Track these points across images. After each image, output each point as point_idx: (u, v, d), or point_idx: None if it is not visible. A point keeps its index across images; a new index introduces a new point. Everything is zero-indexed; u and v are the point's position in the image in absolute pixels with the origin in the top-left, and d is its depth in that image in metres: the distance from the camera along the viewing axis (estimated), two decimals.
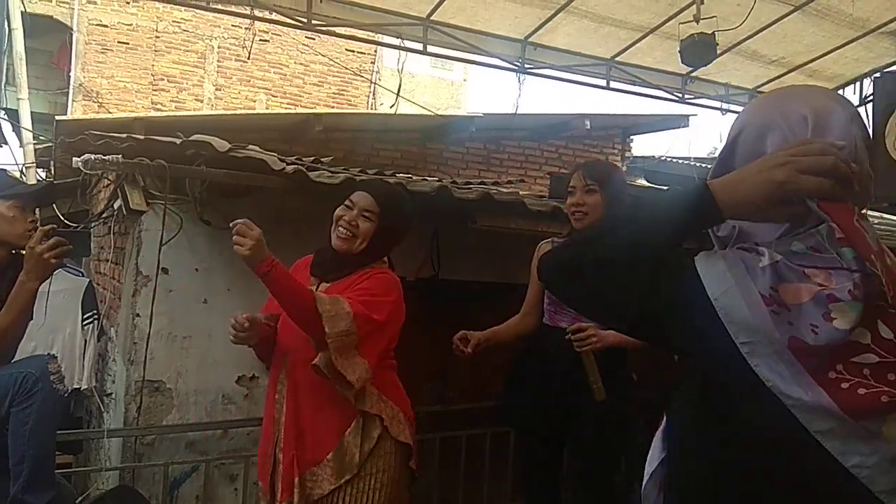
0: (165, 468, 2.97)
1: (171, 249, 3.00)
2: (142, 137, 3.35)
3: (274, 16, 5.23)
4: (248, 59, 11.05)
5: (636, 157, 8.76)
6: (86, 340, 3.80)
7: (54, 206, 3.61)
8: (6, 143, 8.47)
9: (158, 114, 9.35)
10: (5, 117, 8.26)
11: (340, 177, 2.81)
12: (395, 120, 7.49)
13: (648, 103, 7.84)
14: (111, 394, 3.57)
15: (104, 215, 3.75)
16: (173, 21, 11.11)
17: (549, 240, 2.75)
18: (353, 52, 11.95)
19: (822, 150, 0.95)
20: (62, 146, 4.53)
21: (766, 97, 1.10)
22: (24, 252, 2.18)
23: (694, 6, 4.91)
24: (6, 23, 6.90)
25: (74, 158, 2.91)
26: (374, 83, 11.94)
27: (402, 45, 5.68)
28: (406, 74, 14.04)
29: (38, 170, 6.81)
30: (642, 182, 7.65)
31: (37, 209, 2.49)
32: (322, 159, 3.39)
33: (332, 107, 11.57)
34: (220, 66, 11.49)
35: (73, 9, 10.65)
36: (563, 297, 1.28)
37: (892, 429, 0.90)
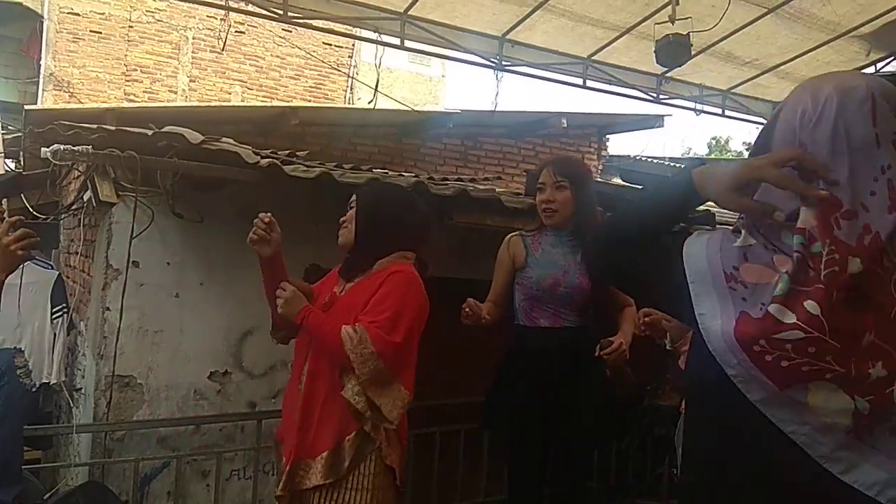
0: (136, 464, 2.94)
1: (142, 242, 2.97)
2: (113, 128, 3.30)
3: (250, 7, 5.17)
4: (223, 50, 10.90)
5: (612, 156, 8.83)
6: (55, 334, 3.74)
7: (23, 197, 3.54)
8: None
9: (131, 105, 9.20)
10: None
11: (316, 171, 2.80)
12: (373, 115, 7.47)
13: (624, 103, 7.91)
14: (81, 389, 3.51)
15: (74, 207, 3.69)
16: (147, 11, 10.91)
17: (518, 232, 2.74)
18: (331, 45, 11.85)
19: (794, 153, 1.04)
20: (31, 136, 4.44)
21: (808, 80, 1.15)
22: None
23: (669, 7, 4.96)
24: None
25: (43, 149, 2.86)
26: (352, 77, 11.87)
27: (379, 39, 5.64)
28: (384, 69, 13.99)
29: (6, 160, 6.67)
30: (618, 181, 7.72)
31: (4, 200, 2.44)
32: (297, 153, 3.37)
33: (309, 100, 11.47)
34: (195, 57, 11.31)
35: None
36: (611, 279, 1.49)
37: (817, 398, 0.98)
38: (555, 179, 2.57)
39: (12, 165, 6.68)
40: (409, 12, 5.26)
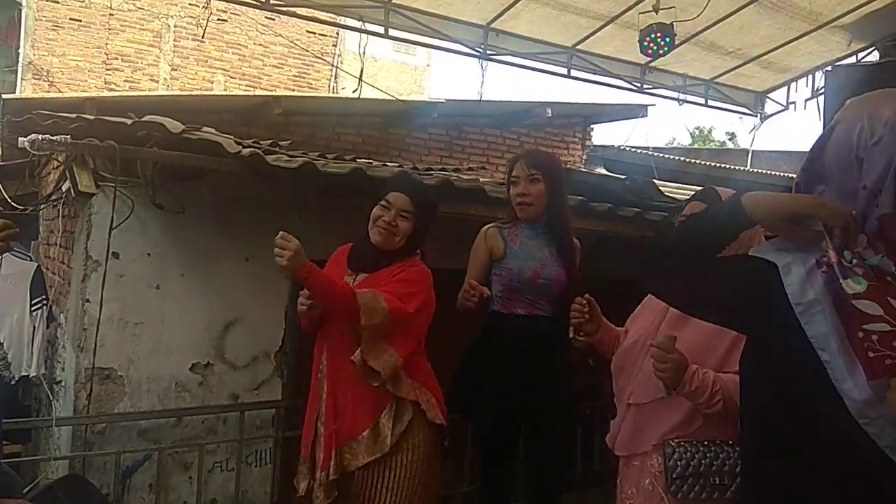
0: (117, 457, 2.92)
1: (121, 233, 2.94)
2: (91, 118, 3.25)
3: None
4: (203, 38, 10.75)
5: (596, 146, 8.84)
6: (34, 326, 3.70)
7: (2, 187, 3.49)
8: None
9: (111, 94, 9.07)
10: None
11: (298, 161, 2.77)
12: (357, 104, 7.41)
13: (608, 93, 7.91)
14: (61, 381, 3.48)
15: (53, 198, 3.64)
16: None
17: (494, 225, 2.76)
18: (315, 34, 11.75)
19: (843, 211, 1.13)
20: (9, 126, 4.37)
21: (863, 97, 1.23)
22: None
23: None
24: None
25: (21, 139, 2.81)
26: (336, 67, 11.78)
27: (363, 28, 5.59)
28: (369, 58, 13.87)
29: None
30: (602, 171, 7.74)
31: None
32: (280, 143, 3.34)
33: (293, 90, 11.36)
34: (177, 45, 11.16)
35: None
36: (671, 301, 1.52)
37: (894, 395, 1.04)
38: (528, 172, 2.61)
39: None
40: (394, 1, 5.22)
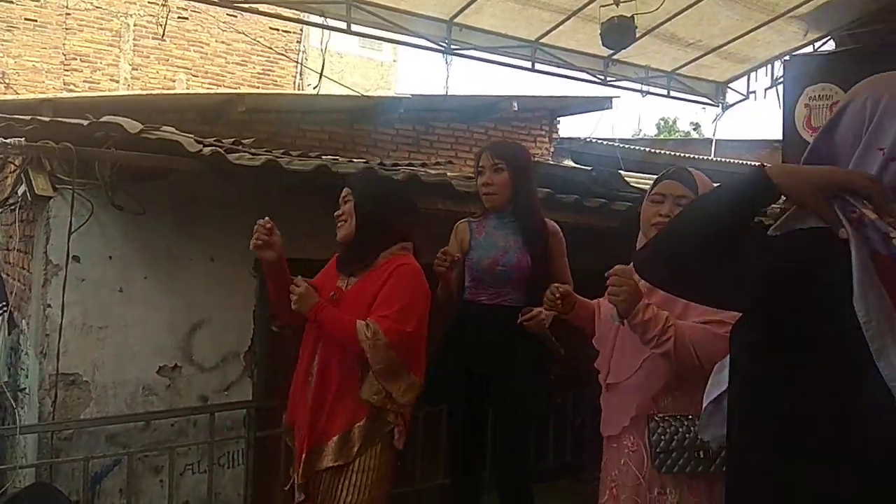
0: (85, 463, 2.87)
1: (81, 236, 2.88)
2: (47, 119, 3.18)
3: None
4: (163, 36, 10.56)
5: (563, 138, 8.92)
6: None
7: None
8: None
9: (69, 95, 8.87)
10: None
11: (261, 159, 2.75)
12: (321, 101, 7.36)
13: (573, 85, 7.97)
14: (25, 388, 3.41)
15: (10, 202, 3.55)
16: None
17: (466, 219, 2.81)
18: (278, 30, 11.62)
19: (876, 179, 1.11)
20: None
21: (875, 77, 1.20)
22: None
23: None
24: None
25: None
26: (301, 63, 11.68)
27: (325, 24, 5.55)
28: (334, 55, 13.75)
29: None
30: (570, 163, 7.80)
31: None
32: (243, 141, 3.31)
33: (257, 87, 11.24)
34: (137, 44, 10.96)
35: None
36: (673, 289, 1.42)
37: None
38: (493, 162, 2.65)
39: None
40: None
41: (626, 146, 9.28)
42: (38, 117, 3.22)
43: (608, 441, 2.00)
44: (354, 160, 3.73)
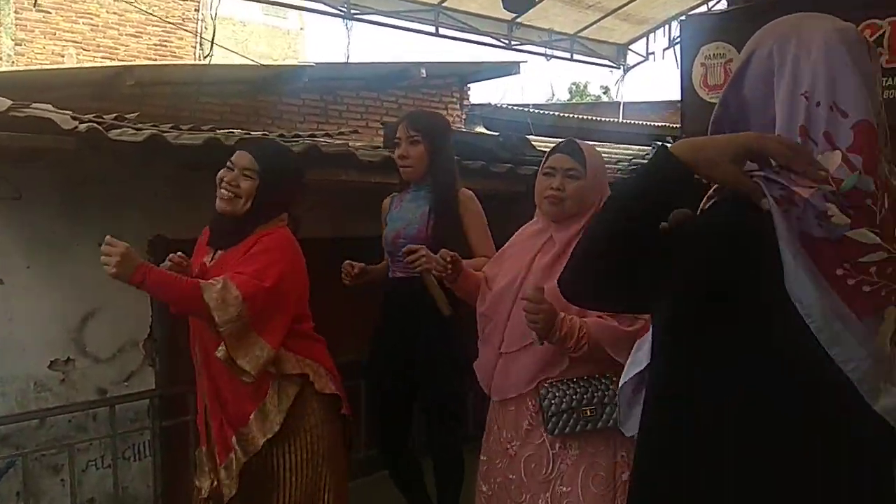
0: None
1: None
2: None
3: None
4: (36, 4, 9.75)
5: (474, 104, 8.91)
6: None
7: None
8: None
9: None
10: None
11: (145, 134, 2.59)
12: (220, 71, 7.02)
13: (481, 51, 7.94)
14: None
15: None
16: None
17: (391, 195, 2.80)
18: None
19: (792, 141, 1.03)
20: None
21: (780, 21, 1.13)
22: None
23: None
24: None
25: None
26: (199, 35, 11.15)
27: None
28: (237, 23, 13.19)
29: None
30: (481, 129, 7.81)
31: None
32: (127, 116, 3.10)
33: (154, 59, 10.69)
34: (19, 18, 10.20)
35: None
36: (605, 304, 1.37)
37: (886, 327, 0.98)
38: (408, 134, 2.61)
39: None
40: None
41: (538, 111, 9.37)
42: None
43: (502, 405, 2.03)
44: (252, 133, 3.59)
